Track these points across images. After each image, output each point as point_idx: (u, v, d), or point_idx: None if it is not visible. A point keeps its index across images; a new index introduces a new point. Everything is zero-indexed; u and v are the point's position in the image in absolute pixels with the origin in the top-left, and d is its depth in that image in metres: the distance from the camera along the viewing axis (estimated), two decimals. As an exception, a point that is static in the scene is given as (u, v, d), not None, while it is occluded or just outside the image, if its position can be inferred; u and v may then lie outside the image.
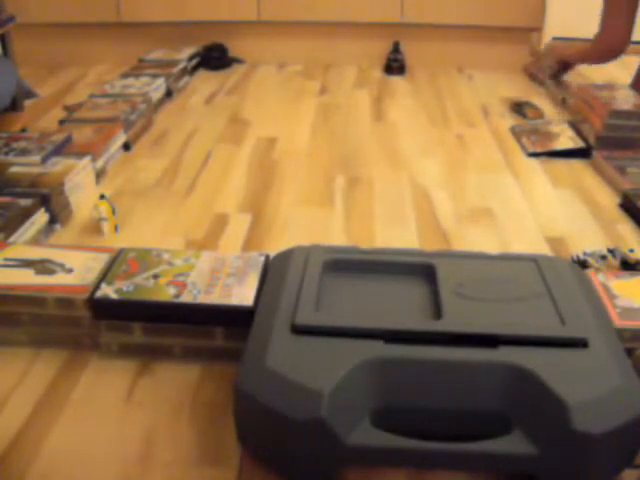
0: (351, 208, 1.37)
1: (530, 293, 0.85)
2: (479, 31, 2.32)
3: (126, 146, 1.64)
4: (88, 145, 1.49)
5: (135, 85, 1.93)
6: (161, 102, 1.96)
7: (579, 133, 1.68)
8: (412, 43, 2.36)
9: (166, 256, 1.01)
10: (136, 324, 0.93)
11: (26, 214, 1.19)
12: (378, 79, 2.28)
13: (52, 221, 1.26)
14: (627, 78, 2.03)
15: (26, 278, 0.96)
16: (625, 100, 1.61)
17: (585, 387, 0.70)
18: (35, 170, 1.34)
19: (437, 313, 0.82)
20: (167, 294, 0.92)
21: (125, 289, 0.93)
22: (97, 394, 0.88)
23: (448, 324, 0.79)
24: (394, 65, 2.32)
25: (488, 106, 2.00)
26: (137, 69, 2.12)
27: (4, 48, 1.82)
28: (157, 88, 1.93)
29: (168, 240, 1.24)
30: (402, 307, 0.85)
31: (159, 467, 0.77)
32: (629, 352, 0.86)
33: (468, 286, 0.86)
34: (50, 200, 1.25)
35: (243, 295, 0.92)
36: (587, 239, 1.25)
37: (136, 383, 0.90)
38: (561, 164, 1.57)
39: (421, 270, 0.91)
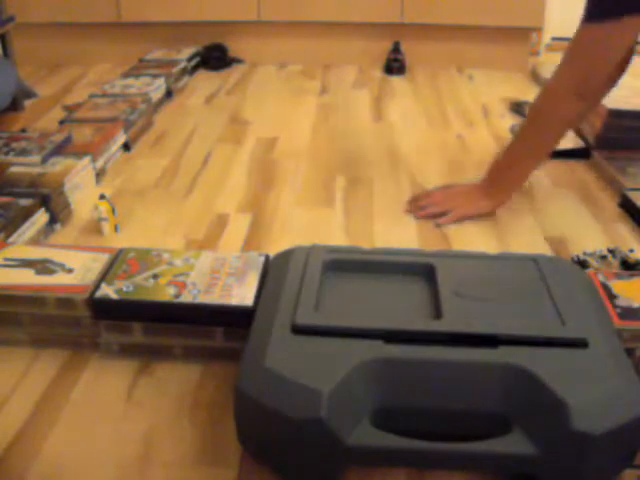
0: (351, 208, 1.37)
1: (530, 293, 0.85)
2: (479, 31, 2.32)
3: (126, 146, 1.64)
4: (88, 145, 1.49)
5: (135, 85, 1.93)
6: (161, 102, 1.96)
7: (579, 133, 1.68)
8: (412, 43, 2.36)
9: (166, 256, 1.01)
10: (136, 324, 0.93)
11: (26, 214, 1.19)
12: (378, 79, 2.28)
13: (52, 221, 1.26)
14: (627, 78, 2.03)
15: (26, 278, 0.96)
16: (625, 100, 1.61)
17: (585, 387, 0.70)
18: (35, 170, 1.35)
19: (437, 313, 0.82)
20: (167, 294, 0.92)
21: (125, 289, 0.93)
22: (97, 394, 0.88)
23: (448, 324, 0.79)
24: (394, 65, 2.31)
25: (488, 106, 2.00)
26: (137, 69, 2.12)
27: (4, 48, 1.82)
28: (157, 88, 1.93)
29: (168, 240, 1.24)
30: (402, 307, 0.85)
31: (159, 467, 0.77)
32: (629, 352, 0.86)
33: (468, 286, 0.86)
34: (50, 200, 1.25)
35: (243, 295, 0.92)
36: (587, 239, 1.25)
37: (136, 383, 0.90)
38: (561, 164, 1.57)
39: (421, 270, 0.91)
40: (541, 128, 1.26)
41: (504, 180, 1.33)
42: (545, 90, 1.27)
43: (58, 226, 1.27)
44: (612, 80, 1.37)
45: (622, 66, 1.34)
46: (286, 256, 0.95)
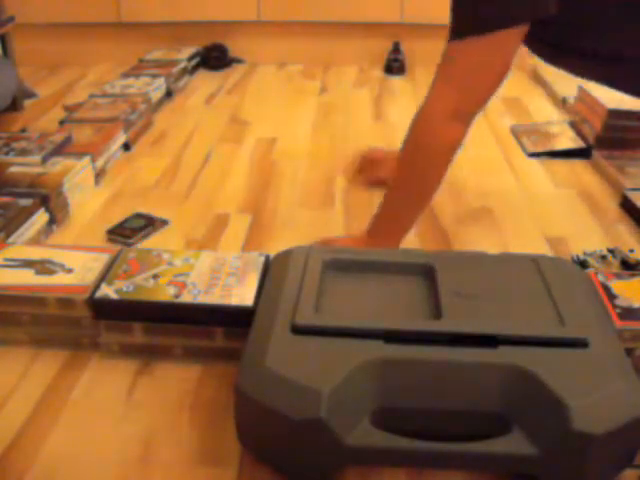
0: (351, 208, 1.37)
1: (530, 293, 0.85)
2: (479, 31, 2.31)
3: (126, 146, 1.64)
4: (88, 145, 1.49)
5: (135, 85, 1.93)
6: (161, 102, 1.95)
7: (579, 133, 1.68)
8: (412, 43, 2.36)
9: (166, 256, 1.01)
10: (136, 324, 0.93)
11: (26, 214, 1.18)
12: (378, 79, 2.28)
13: (52, 221, 1.26)
14: (627, 78, 2.02)
15: (26, 278, 0.96)
16: (625, 100, 1.61)
17: (585, 387, 0.70)
18: (35, 170, 1.35)
19: (437, 313, 0.82)
20: (167, 294, 0.92)
21: (125, 289, 0.93)
22: (97, 394, 0.88)
23: (448, 324, 0.79)
24: (394, 65, 2.31)
25: (488, 106, 1.99)
26: (137, 69, 2.11)
27: (4, 48, 1.82)
28: (157, 88, 1.93)
29: (168, 240, 1.24)
30: (402, 307, 0.85)
31: (159, 467, 0.77)
32: (629, 352, 0.86)
33: (468, 286, 0.86)
34: (50, 200, 1.25)
35: (243, 295, 0.92)
36: (587, 239, 1.25)
37: (136, 383, 0.90)
38: (561, 164, 1.57)
39: (421, 270, 0.91)
40: (421, 168, 1.05)
41: (389, 233, 1.11)
42: (419, 118, 1.04)
43: (58, 226, 1.27)
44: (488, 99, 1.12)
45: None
46: (286, 256, 0.95)
